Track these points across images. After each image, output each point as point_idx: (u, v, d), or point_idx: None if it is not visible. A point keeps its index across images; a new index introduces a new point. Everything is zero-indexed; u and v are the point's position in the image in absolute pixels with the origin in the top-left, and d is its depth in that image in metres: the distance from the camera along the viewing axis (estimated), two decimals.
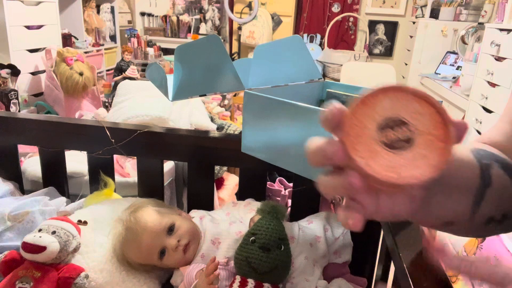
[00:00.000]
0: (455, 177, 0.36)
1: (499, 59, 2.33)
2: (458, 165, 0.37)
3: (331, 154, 0.29)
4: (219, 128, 1.47)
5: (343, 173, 0.30)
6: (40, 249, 0.67)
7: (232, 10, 4.45)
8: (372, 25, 4.52)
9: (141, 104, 1.32)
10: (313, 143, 0.30)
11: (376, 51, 4.58)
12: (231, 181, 1.45)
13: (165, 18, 4.58)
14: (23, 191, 1.00)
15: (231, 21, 4.63)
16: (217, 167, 1.27)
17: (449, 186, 0.36)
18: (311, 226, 0.81)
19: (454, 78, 3.27)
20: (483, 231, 0.42)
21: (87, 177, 0.98)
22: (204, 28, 4.54)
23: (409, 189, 0.32)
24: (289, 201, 1.01)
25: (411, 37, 4.01)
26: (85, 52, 3.02)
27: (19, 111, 2.23)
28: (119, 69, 3.16)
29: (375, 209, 0.31)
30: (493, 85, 2.36)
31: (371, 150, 0.29)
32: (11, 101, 2.19)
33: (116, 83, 2.40)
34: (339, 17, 4.37)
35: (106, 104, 2.43)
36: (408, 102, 0.30)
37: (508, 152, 0.47)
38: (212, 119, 1.52)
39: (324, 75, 4.23)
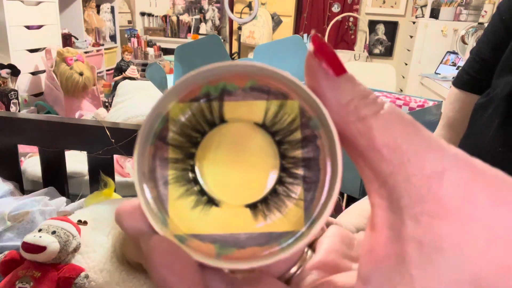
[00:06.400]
0: None
1: None
2: None
3: None
4: None
5: None
6: (40, 249, 0.67)
7: (232, 10, 4.46)
8: (372, 25, 4.52)
9: (141, 104, 1.32)
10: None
11: (376, 51, 4.59)
12: None
13: (165, 18, 4.59)
14: (23, 191, 1.00)
15: (231, 21, 4.63)
16: None
17: None
18: None
19: (454, 78, 3.27)
20: None
21: (87, 177, 0.98)
22: (204, 28, 4.54)
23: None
24: None
25: (411, 37, 4.01)
26: (85, 52, 3.02)
27: (19, 111, 2.23)
28: (119, 69, 3.17)
29: None
30: None
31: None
32: (11, 101, 2.19)
33: (116, 83, 2.41)
34: (339, 17, 4.38)
35: (106, 104, 2.43)
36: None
37: None
38: None
39: None
